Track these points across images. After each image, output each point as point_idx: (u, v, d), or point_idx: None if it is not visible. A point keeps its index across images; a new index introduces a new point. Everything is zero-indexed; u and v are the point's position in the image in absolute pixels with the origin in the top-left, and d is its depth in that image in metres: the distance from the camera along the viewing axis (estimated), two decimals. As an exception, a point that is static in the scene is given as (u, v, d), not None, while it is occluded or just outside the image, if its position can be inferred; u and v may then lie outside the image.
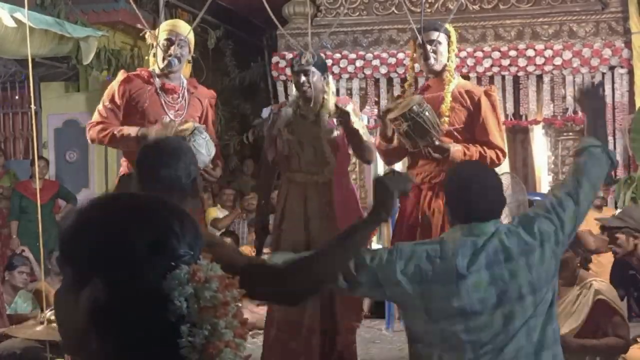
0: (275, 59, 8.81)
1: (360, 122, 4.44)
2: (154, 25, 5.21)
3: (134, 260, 1.17)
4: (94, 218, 1.23)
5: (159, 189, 2.54)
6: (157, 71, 4.45)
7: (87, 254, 1.19)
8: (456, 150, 4.15)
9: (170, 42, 4.40)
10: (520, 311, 2.59)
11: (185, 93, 4.49)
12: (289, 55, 4.53)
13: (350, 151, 4.58)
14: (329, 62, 8.46)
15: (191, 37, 4.54)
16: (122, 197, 1.31)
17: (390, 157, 4.56)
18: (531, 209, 2.94)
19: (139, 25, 4.92)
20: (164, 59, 4.41)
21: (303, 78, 4.35)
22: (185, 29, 4.50)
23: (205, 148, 4.07)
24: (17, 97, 10.07)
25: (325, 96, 4.42)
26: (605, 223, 4.78)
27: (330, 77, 4.59)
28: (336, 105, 4.38)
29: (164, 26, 4.54)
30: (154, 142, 2.97)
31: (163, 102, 4.40)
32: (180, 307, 1.17)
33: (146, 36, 4.61)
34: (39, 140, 9.14)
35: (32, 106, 5.45)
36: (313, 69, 4.37)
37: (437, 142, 4.14)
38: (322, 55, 5.32)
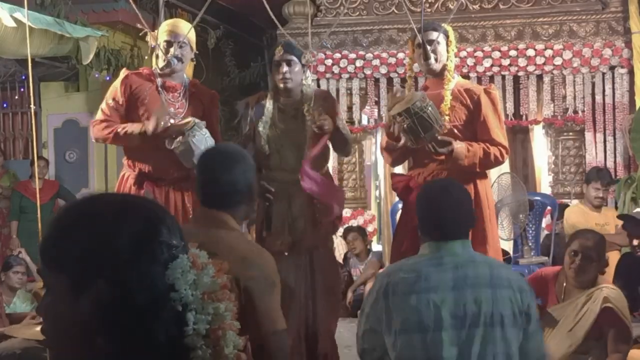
0: (275, 59, 8.79)
1: (339, 116, 4.37)
2: (154, 25, 5.19)
3: (134, 256, 1.17)
4: (81, 221, 1.20)
5: (216, 195, 2.57)
6: (158, 71, 4.45)
7: (83, 257, 1.17)
8: (459, 146, 4.10)
9: (169, 43, 4.38)
10: (480, 339, 2.56)
11: (187, 92, 4.48)
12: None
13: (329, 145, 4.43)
14: (329, 62, 8.48)
15: (192, 36, 4.51)
16: (104, 198, 1.29)
17: (396, 158, 4.49)
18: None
19: (138, 25, 4.89)
20: (164, 59, 4.40)
21: (285, 68, 4.20)
22: (185, 29, 4.47)
23: (204, 144, 4.03)
24: (17, 97, 10.08)
25: (304, 89, 4.31)
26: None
27: (309, 71, 4.43)
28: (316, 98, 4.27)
29: (164, 27, 4.50)
30: (214, 149, 3.02)
31: (164, 100, 4.38)
32: (186, 294, 1.18)
33: (147, 38, 4.60)
34: (39, 140, 9.14)
35: (32, 106, 5.43)
36: (295, 59, 4.23)
37: (439, 137, 4.10)
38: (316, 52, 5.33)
